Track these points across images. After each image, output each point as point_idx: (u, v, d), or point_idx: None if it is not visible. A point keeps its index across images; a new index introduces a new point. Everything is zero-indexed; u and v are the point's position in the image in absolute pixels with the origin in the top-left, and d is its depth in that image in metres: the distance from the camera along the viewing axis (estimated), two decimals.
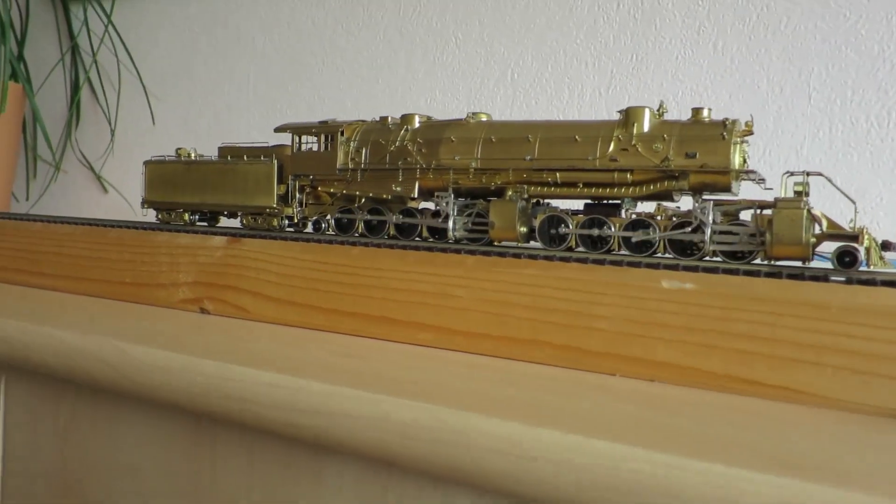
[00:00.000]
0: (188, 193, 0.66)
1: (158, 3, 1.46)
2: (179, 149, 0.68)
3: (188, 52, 1.44)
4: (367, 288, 0.59)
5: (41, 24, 1.57)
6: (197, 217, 0.69)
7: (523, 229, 0.54)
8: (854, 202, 0.53)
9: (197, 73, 1.41)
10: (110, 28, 1.45)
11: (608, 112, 1.01)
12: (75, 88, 1.50)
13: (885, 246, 0.52)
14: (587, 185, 0.57)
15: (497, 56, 1.15)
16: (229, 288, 0.66)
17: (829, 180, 0.55)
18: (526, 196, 0.57)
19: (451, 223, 0.55)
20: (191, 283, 0.69)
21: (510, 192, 0.57)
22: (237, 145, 0.65)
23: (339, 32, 1.29)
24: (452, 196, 0.55)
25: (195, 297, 0.69)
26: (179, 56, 1.45)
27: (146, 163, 0.70)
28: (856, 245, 0.49)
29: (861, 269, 0.50)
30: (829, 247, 0.51)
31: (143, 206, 0.72)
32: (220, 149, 0.66)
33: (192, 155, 0.67)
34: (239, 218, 0.67)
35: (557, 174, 0.53)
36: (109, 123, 1.48)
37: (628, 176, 0.57)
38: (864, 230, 0.50)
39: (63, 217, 0.81)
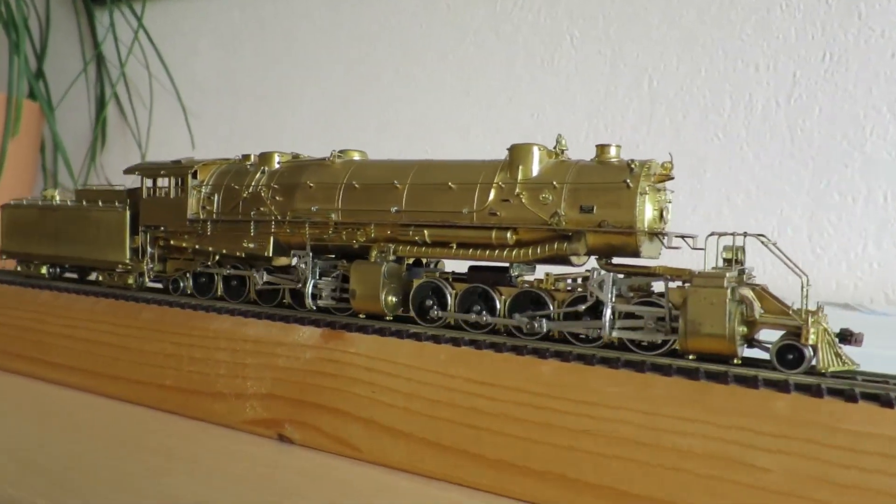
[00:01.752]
0: (43, 243, 0.62)
1: (195, 9, 1.41)
2: (45, 190, 0.64)
3: (230, 62, 1.38)
4: (570, 433, 0.43)
5: (62, 33, 1.55)
6: (57, 270, 0.64)
7: (392, 299, 0.47)
8: (803, 275, 0.43)
9: (241, 86, 1.35)
10: (141, 36, 1.42)
11: (790, 131, 0.91)
12: (100, 105, 1.48)
13: (844, 337, 0.43)
14: (462, 244, 0.50)
15: (628, 58, 1.02)
16: (325, 409, 0.50)
17: (770, 243, 0.45)
18: (393, 257, 0.50)
19: (308, 289, 0.48)
20: (264, 395, 0.53)
21: (374, 253, 0.47)
22: (92, 188, 0.61)
23: (413, 34, 1.18)
24: (311, 255, 0.48)
25: (271, 418, 0.54)
26: (220, 67, 1.39)
27: (3, 206, 0.66)
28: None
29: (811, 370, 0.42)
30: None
31: (0, 257, 0.67)
32: (77, 192, 0.61)
33: (56, 198, 0.62)
34: (95, 274, 0.61)
35: (426, 231, 0.45)
36: (139, 146, 1.45)
37: (509, 235, 0.49)
38: (818, 315, 0.41)
39: (78, 287, 0.67)
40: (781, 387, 0.40)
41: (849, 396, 0.37)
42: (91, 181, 1.46)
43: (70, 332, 0.64)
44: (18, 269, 0.69)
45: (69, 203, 0.63)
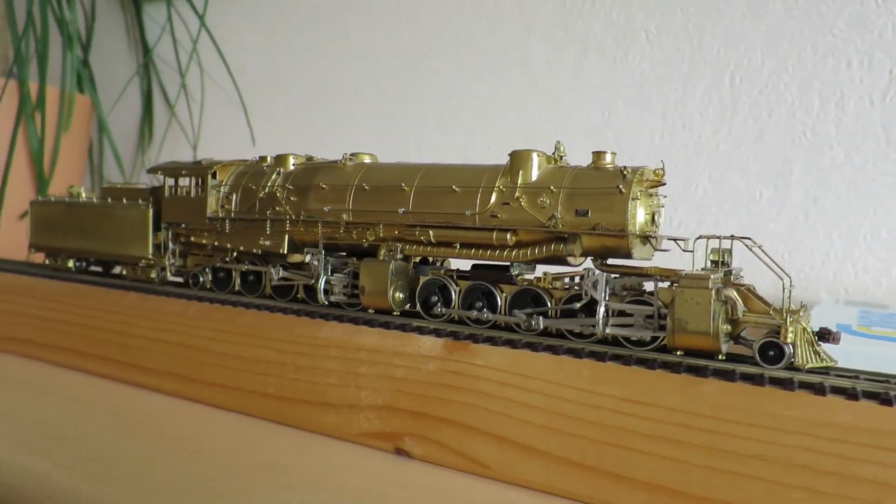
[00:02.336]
0: (69, 238, 0.68)
1: (244, 2, 1.47)
2: (71, 187, 0.69)
3: (284, 55, 1.42)
4: (739, 458, 0.41)
5: (107, 26, 1.63)
6: (83, 264, 0.69)
7: (399, 295, 0.53)
8: (786, 276, 0.47)
9: (294, 81, 1.39)
10: (188, 28, 1.47)
11: (884, 131, 0.93)
12: (147, 99, 1.55)
13: (823, 336, 0.47)
14: (465, 245, 0.57)
15: (709, 55, 1.01)
16: (450, 423, 0.49)
17: (756, 246, 0.49)
18: (400, 256, 0.52)
19: (320, 284, 0.53)
20: (381, 407, 0.52)
21: (383, 252, 0.53)
22: (118, 186, 0.66)
23: (477, 28, 1.19)
24: (323, 253, 0.53)
25: (388, 432, 0.52)
26: (272, 60, 1.43)
27: (32, 203, 0.73)
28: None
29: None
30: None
31: (29, 250, 0.73)
32: (102, 189, 0.67)
33: (82, 196, 0.67)
34: (121, 269, 0.67)
35: (431, 232, 0.49)
36: (189, 141, 1.49)
37: (509, 236, 0.54)
38: (798, 314, 0.45)
39: (169, 289, 0.70)
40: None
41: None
42: (138, 176, 1.55)
43: (161, 335, 0.65)
44: (46, 262, 0.74)
45: (95, 200, 0.68)
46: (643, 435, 0.42)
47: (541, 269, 0.58)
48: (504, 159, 0.56)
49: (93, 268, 0.80)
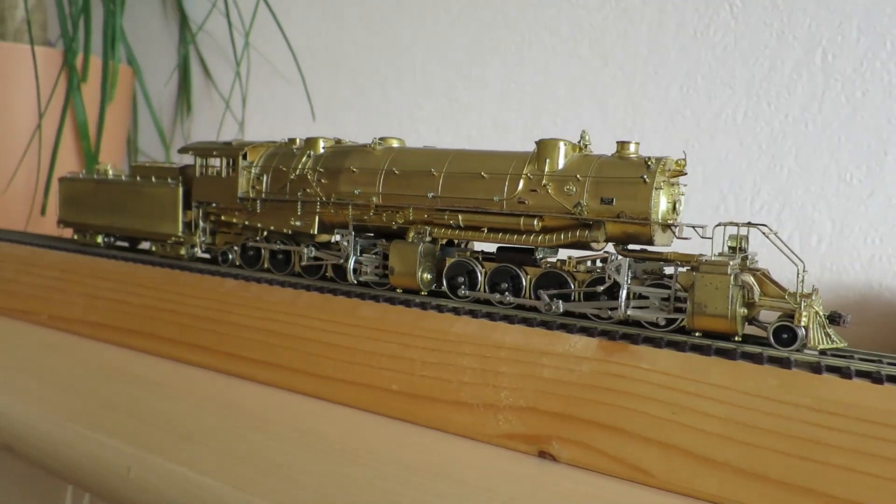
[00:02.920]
0: (99, 214, 0.74)
1: None
2: (98, 164, 0.73)
3: (334, 27, 1.45)
4: None
5: None
6: (112, 239, 0.73)
7: (427, 276, 0.63)
8: (800, 262, 0.52)
9: (345, 54, 1.43)
10: (234, 5, 1.53)
11: None
12: (185, 71, 1.59)
13: (834, 319, 0.51)
14: (493, 229, 0.62)
15: (799, 29, 1.01)
16: (606, 428, 0.50)
17: (773, 233, 0.53)
18: (429, 239, 0.64)
19: (350, 264, 0.56)
20: (524, 408, 0.53)
21: (412, 234, 0.65)
22: (148, 164, 0.70)
23: None
24: (353, 234, 0.56)
25: (532, 434, 0.52)
26: (323, 31, 1.47)
27: (60, 179, 0.79)
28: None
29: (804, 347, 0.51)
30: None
31: (58, 225, 0.77)
32: (132, 167, 0.71)
33: (109, 172, 0.71)
34: (150, 245, 0.71)
35: (460, 216, 0.54)
36: (233, 115, 1.50)
37: (536, 222, 0.59)
38: (811, 299, 0.50)
39: (271, 277, 0.72)
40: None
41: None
42: (175, 149, 1.64)
43: (266, 325, 0.67)
44: (75, 237, 0.79)
45: (124, 178, 0.72)
46: (838, 448, 0.43)
47: (563, 253, 0.61)
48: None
49: (119, 244, 0.84)
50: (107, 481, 0.50)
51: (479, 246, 0.67)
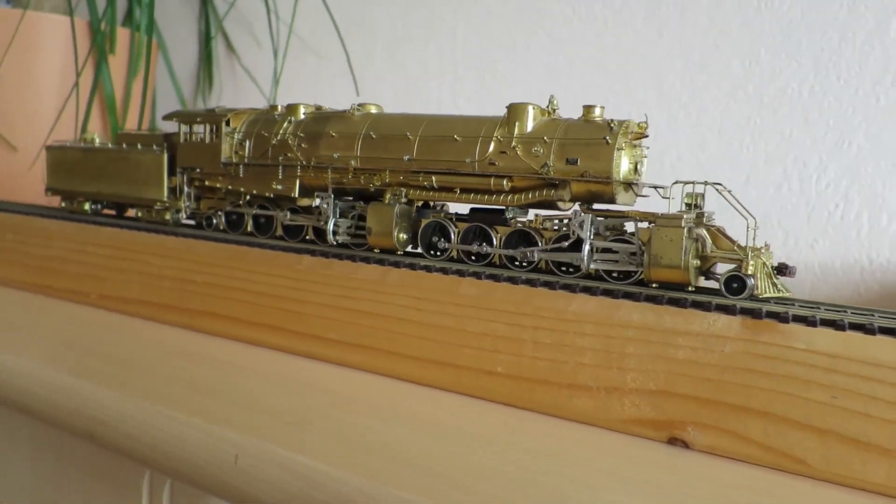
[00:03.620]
0: (86, 181, 0.78)
1: None
2: (84, 133, 0.77)
3: None
4: None
5: None
6: (99, 206, 0.77)
7: (403, 236, 0.67)
8: (750, 217, 0.57)
9: (381, 27, 1.50)
10: None
11: None
12: (206, 43, 1.64)
13: (781, 270, 0.57)
14: (465, 190, 0.76)
15: None
16: (752, 413, 0.50)
17: (726, 191, 0.58)
18: (404, 200, 0.60)
19: (329, 226, 0.61)
20: (653, 392, 0.53)
21: (388, 195, 0.61)
22: (134, 132, 0.74)
23: None
24: (332, 197, 0.61)
25: (662, 419, 0.52)
26: (356, 3, 1.52)
27: (48, 148, 0.84)
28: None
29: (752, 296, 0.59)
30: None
31: (46, 193, 0.81)
32: (117, 135, 0.76)
33: (96, 141, 0.75)
34: (136, 211, 0.75)
35: (433, 178, 0.58)
36: (260, 89, 1.54)
37: (505, 182, 0.68)
38: (759, 252, 0.56)
39: (352, 253, 0.74)
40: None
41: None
42: None
43: (350, 304, 0.70)
44: (63, 204, 0.84)
45: (110, 146, 0.76)
46: None
47: (532, 213, 0.66)
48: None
49: (106, 210, 0.90)
50: (209, 470, 0.49)
51: (453, 208, 0.77)
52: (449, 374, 0.62)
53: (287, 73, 1.60)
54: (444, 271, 0.67)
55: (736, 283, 0.56)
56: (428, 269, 0.68)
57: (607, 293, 0.59)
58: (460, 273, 0.67)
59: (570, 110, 1.26)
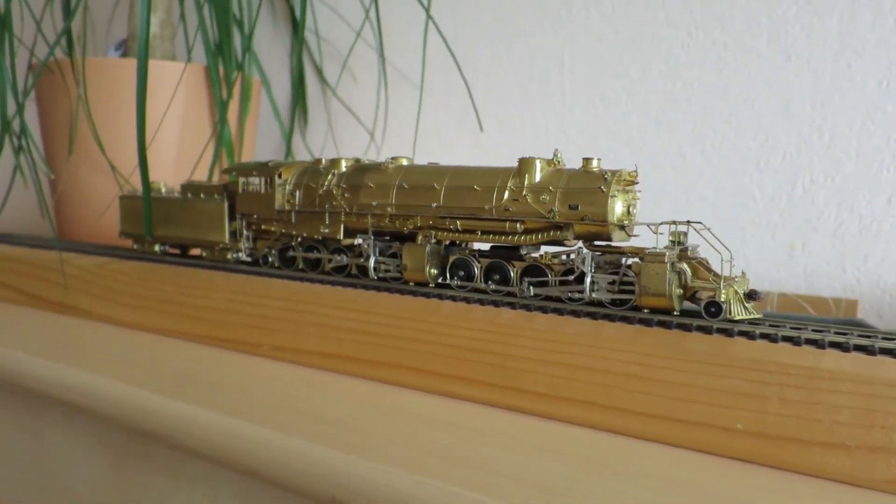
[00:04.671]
0: (156, 226, 0.91)
1: None
2: (152, 183, 0.94)
3: (468, 32, 1.58)
4: None
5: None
6: (167, 247, 0.95)
7: (434, 271, 0.87)
8: (727, 251, 0.73)
9: (482, 58, 1.59)
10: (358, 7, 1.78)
11: None
12: (299, 79, 1.80)
13: (751, 295, 0.74)
14: (485, 232, 0.92)
15: None
16: None
17: (706, 229, 0.75)
18: (434, 240, 0.76)
19: (371, 263, 0.77)
20: None
21: (420, 237, 0.77)
22: (196, 183, 0.91)
23: None
24: (373, 238, 0.77)
25: None
26: (454, 37, 1.58)
27: (121, 197, 1.02)
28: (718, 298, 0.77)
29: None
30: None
31: (120, 236, 0.98)
32: (183, 186, 0.93)
33: (162, 190, 0.92)
34: (200, 251, 0.93)
35: (458, 221, 0.74)
36: (363, 125, 1.73)
37: (518, 225, 0.88)
38: (732, 281, 0.74)
39: (560, 305, 0.81)
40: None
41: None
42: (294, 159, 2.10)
43: (560, 358, 0.74)
44: (135, 247, 1.02)
45: (176, 194, 0.93)
46: None
47: (543, 249, 0.83)
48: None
49: (171, 250, 1.15)
50: None
51: (476, 246, 0.96)
52: (676, 430, 0.67)
53: (385, 106, 1.71)
54: (666, 325, 0.74)
55: (713, 308, 0.71)
56: (647, 322, 0.76)
57: (862, 349, 0.61)
58: (684, 327, 0.72)
59: (691, 137, 1.31)
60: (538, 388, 0.77)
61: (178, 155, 1.53)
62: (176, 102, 1.49)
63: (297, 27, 1.84)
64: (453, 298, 0.89)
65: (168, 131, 1.50)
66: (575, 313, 0.80)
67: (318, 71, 1.87)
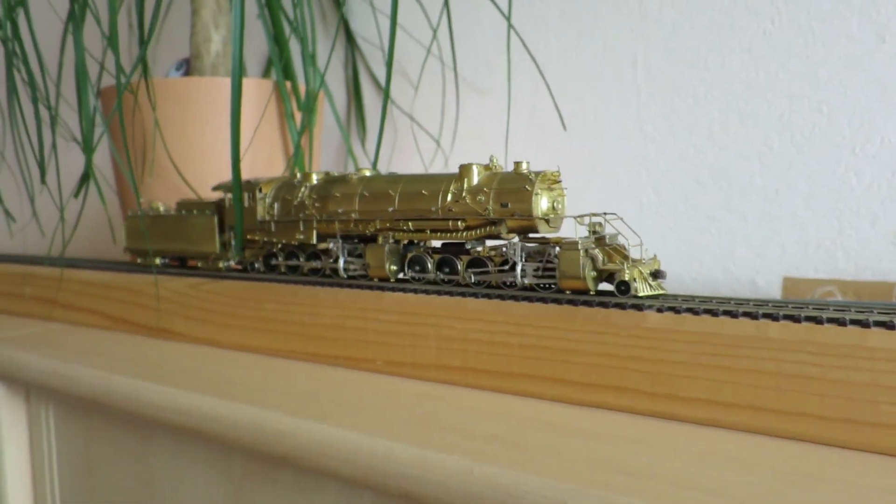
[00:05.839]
0: (156, 241, 1.67)
1: None
2: (152, 203, 1.66)
3: (536, 23, 2.08)
4: None
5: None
6: (167, 259, 1.82)
7: (393, 267, 1.49)
8: (638, 237, 1.32)
9: (550, 57, 2.06)
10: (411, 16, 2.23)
11: None
12: (356, 88, 2.36)
13: (656, 274, 1.31)
14: (433, 230, 1.47)
15: None
16: None
17: (617, 217, 1.35)
18: (392, 240, 1.49)
19: (340, 264, 1.46)
20: None
21: (381, 238, 1.50)
22: (190, 200, 1.65)
23: None
24: (341, 241, 1.45)
25: None
26: (524, 30, 2.09)
27: (127, 217, 1.88)
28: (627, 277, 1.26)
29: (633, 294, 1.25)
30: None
31: (124, 252, 1.87)
32: (178, 203, 1.69)
33: (160, 209, 1.65)
34: (197, 262, 1.75)
35: (410, 223, 1.46)
36: (428, 132, 2.32)
37: (460, 223, 1.44)
38: (638, 263, 1.28)
39: (714, 308, 1.05)
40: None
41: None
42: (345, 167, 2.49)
43: (721, 361, 0.98)
44: (139, 261, 1.86)
45: (172, 212, 1.70)
46: None
47: (488, 243, 1.42)
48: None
49: (172, 262, 1.87)
50: None
51: (432, 244, 1.47)
52: (861, 434, 0.86)
53: (450, 113, 2.20)
54: (840, 322, 0.92)
55: (623, 286, 1.20)
56: (817, 320, 0.94)
57: None
58: (862, 324, 0.90)
59: (779, 126, 1.70)
60: (696, 393, 0.98)
61: (252, 167, 2.01)
62: (249, 117, 2.01)
63: (349, 35, 2.33)
64: (588, 304, 1.17)
65: (243, 145, 1.89)
66: (730, 313, 1.01)
67: (373, 78, 2.34)
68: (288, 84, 2.11)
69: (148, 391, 1.25)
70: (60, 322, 1.89)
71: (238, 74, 1.63)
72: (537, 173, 1.35)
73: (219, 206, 1.74)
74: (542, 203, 1.34)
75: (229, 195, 1.69)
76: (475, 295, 1.30)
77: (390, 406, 1.12)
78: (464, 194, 1.40)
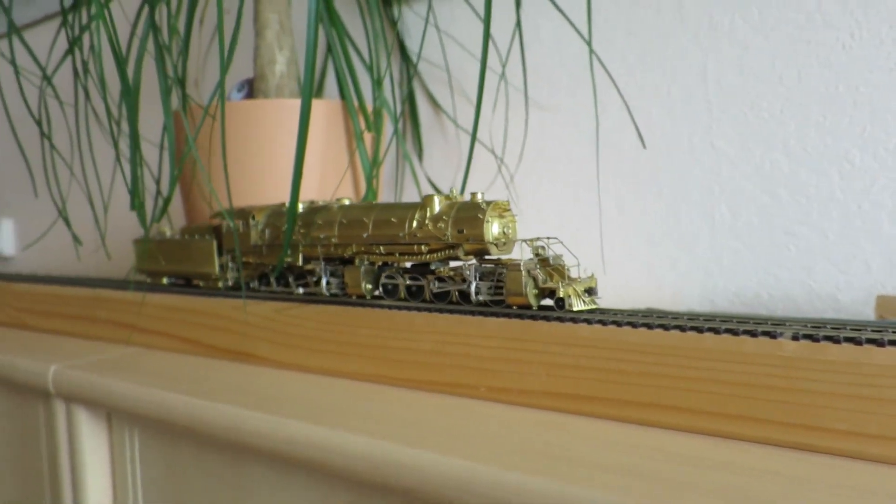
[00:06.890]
0: (162, 263, 2.34)
1: None
2: (160, 228, 2.49)
3: (599, 40, 2.46)
4: None
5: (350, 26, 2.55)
6: (173, 279, 2.48)
7: (369, 286, 2.13)
8: (576, 258, 2.09)
9: (613, 71, 2.44)
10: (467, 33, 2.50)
11: None
12: (412, 108, 2.70)
13: (589, 291, 2.11)
14: (401, 253, 2.15)
15: None
16: None
17: (558, 241, 2.14)
18: (367, 262, 2.21)
19: (323, 283, 2.16)
20: None
21: (357, 260, 2.18)
22: (192, 226, 2.30)
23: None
24: (323, 263, 2.17)
25: None
26: (573, 49, 2.44)
27: (135, 241, 2.51)
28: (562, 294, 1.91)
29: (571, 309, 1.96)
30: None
31: (133, 273, 2.57)
32: (181, 229, 2.36)
33: (167, 233, 2.38)
34: (199, 282, 2.32)
35: (381, 247, 2.12)
36: (495, 155, 2.72)
37: (424, 247, 2.18)
38: (574, 281, 2.06)
39: (865, 336, 1.14)
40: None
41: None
42: (402, 189, 2.90)
43: (865, 392, 1.20)
44: (147, 280, 2.48)
45: (177, 237, 2.38)
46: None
47: (451, 264, 1.92)
48: None
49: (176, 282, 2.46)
50: None
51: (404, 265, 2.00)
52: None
53: (513, 134, 2.54)
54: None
55: (560, 302, 1.97)
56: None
57: None
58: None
59: (860, 142, 2.14)
60: (837, 424, 1.15)
61: (321, 188, 2.52)
62: (317, 138, 2.39)
63: (404, 53, 2.67)
64: (715, 330, 1.32)
65: (310, 166, 2.46)
66: (877, 342, 1.17)
67: (430, 97, 2.68)
68: (355, 103, 2.44)
69: (251, 419, 1.55)
70: (137, 346, 2.36)
71: (308, 97, 2.07)
72: (489, 202, 1.96)
73: (217, 231, 2.29)
74: (493, 229, 2.00)
75: (226, 221, 2.26)
76: (585, 321, 1.66)
77: (505, 435, 1.34)
78: (426, 221, 2.04)
